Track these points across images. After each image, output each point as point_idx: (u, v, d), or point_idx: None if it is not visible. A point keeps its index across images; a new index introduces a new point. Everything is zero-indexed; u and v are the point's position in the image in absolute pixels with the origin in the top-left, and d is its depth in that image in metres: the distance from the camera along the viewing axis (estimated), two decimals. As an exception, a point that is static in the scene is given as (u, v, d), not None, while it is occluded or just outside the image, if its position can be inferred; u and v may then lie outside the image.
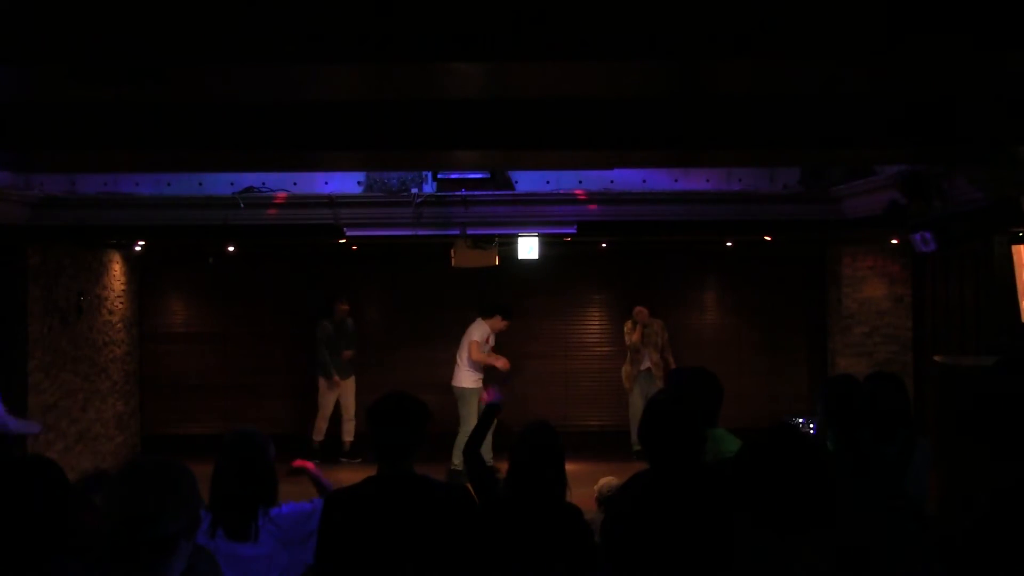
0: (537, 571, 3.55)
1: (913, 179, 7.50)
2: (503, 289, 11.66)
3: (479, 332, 10.62)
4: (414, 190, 8.86)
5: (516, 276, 11.42)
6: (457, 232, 9.30)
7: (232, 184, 8.81)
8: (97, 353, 11.03)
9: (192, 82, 3.89)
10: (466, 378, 10.53)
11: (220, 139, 5.16)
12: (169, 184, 8.96)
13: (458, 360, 10.63)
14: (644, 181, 8.94)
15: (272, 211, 8.89)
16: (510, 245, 9.91)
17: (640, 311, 11.36)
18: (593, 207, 9.09)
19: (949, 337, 9.58)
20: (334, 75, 3.67)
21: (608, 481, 6.60)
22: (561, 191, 8.98)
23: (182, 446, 11.37)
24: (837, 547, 2.65)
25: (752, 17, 3.11)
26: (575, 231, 9.29)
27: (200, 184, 8.91)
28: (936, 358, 8.45)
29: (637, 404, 11.46)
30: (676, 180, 8.94)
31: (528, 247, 9.73)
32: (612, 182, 8.95)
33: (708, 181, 8.95)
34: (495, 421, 4.79)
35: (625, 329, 11.51)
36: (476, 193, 8.82)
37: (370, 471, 3.61)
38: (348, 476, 3.56)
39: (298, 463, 4.38)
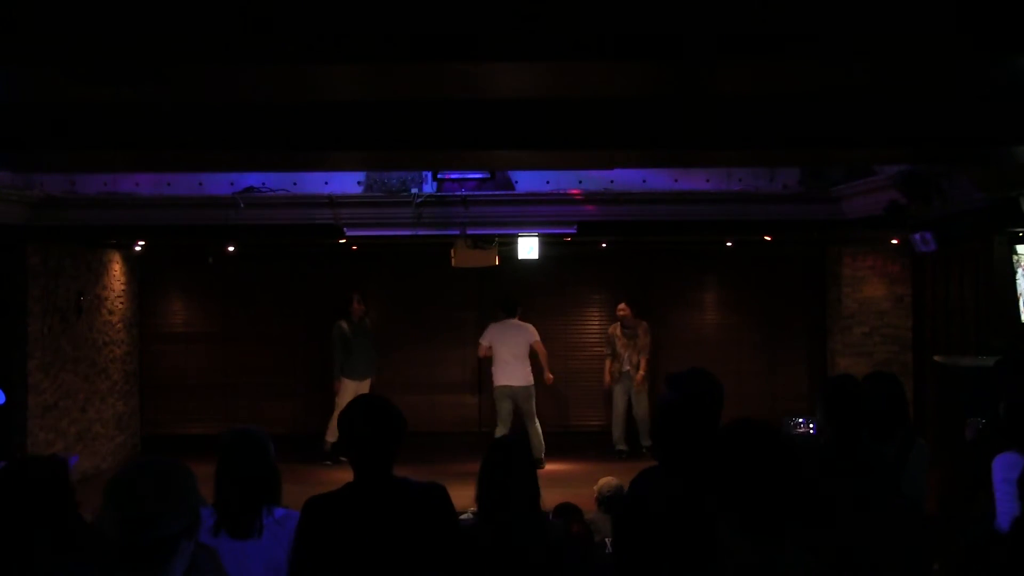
0: None
1: (913, 179, 7.50)
2: (503, 289, 11.66)
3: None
4: (414, 190, 8.86)
5: (516, 276, 11.41)
6: (457, 232, 9.30)
7: (232, 184, 8.81)
8: (97, 353, 11.03)
9: (192, 82, 3.89)
10: (530, 375, 10.86)
11: (220, 139, 5.16)
12: (169, 184, 8.96)
13: (519, 360, 10.80)
14: (644, 181, 8.94)
15: (258, 211, 8.88)
16: (510, 245, 9.91)
17: (623, 309, 11.36)
18: (593, 207, 9.09)
19: (949, 337, 9.58)
20: (334, 75, 3.67)
21: (608, 481, 6.59)
22: (561, 191, 8.98)
23: (182, 446, 11.35)
24: (835, 546, 2.64)
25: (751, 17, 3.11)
26: (575, 231, 9.29)
27: (200, 184, 8.91)
28: (936, 358, 8.45)
29: (619, 405, 11.45)
30: (676, 180, 8.94)
31: (528, 247, 9.73)
32: (612, 182, 8.95)
33: (708, 181, 8.95)
34: None
35: (608, 331, 11.58)
36: (476, 193, 8.82)
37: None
38: (350, 476, 3.53)
39: None
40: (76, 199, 8.91)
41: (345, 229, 9.13)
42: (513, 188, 8.94)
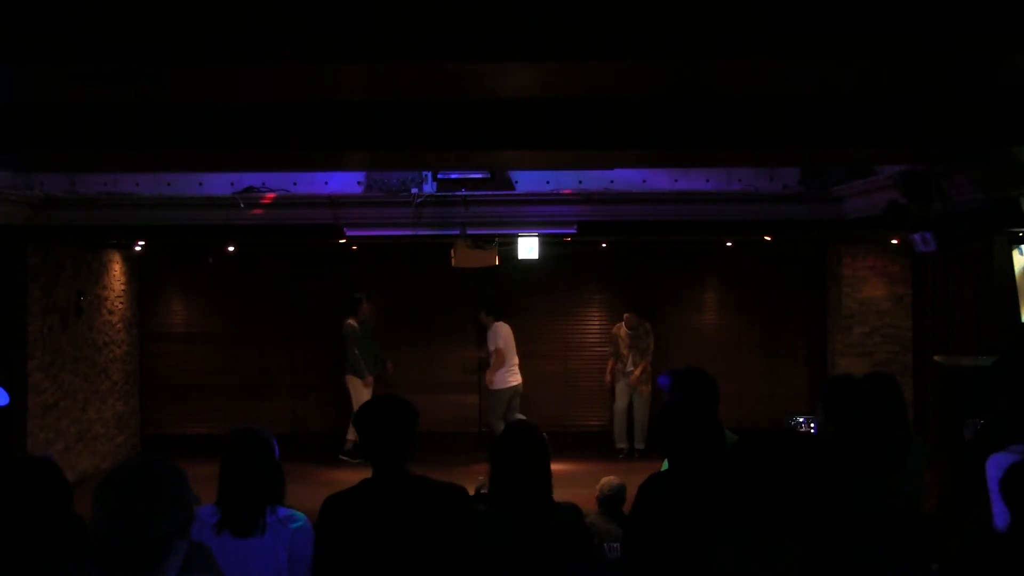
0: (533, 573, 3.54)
1: (913, 179, 7.49)
2: (503, 289, 11.68)
3: None
4: (414, 190, 8.86)
5: (516, 276, 11.42)
6: (457, 232, 9.30)
7: (232, 184, 8.81)
8: (97, 353, 11.03)
9: (192, 82, 3.89)
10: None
11: (220, 139, 5.16)
12: (169, 184, 8.96)
13: (507, 361, 11.10)
14: (644, 181, 8.93)
15: (258, 211, 8.88)
16: (510, 245, 9.91)
17: (629, 317, 11.47)
18: (593, 207, 9.09)
19: (949, 337, 9.58)
20: (333, 75, 3.67)
21: (609, 481, 6.58)
22: (561, 191, 8.98)
23: (182, 446, 11.36)
24: (833, 546, 2.64)
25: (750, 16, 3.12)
26: (575, 231, 9.29)
27: (200, 184, 8.91)
28: (936, 358, 8.45)
29: (620, 402, 11.51)
30: (676, 180, 8.94)
31: (528, 247, 9.73)
32: (612, 182, 8.95)
33: (708, 181, 8.95)
34: None
35: (613, 331, 11.64)
36: (476, 193, 8.82)
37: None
38: (352, 476, 3.54)
39: None
40: (76, 199, 8.91)
41: (345, 229, 9.13)
42: (513, 188, 8.94)
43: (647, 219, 9.18)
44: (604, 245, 11.51)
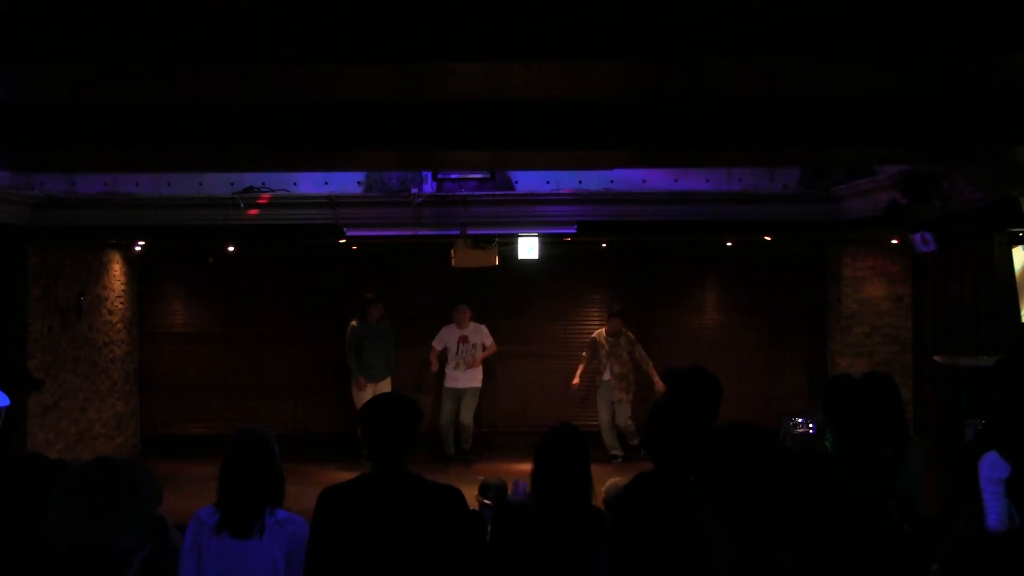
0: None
1: (913, 179, 7.50)
2: (504, 289, 11.67)
3: None
4: (414, 190, 8.86)
5: (516, 276, 11.41)
6: (457, 232, 9.30)
7: (232, 184, 8.82)
8: (97, 353, 11.03)
9: (192, 82, 3.88)
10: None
11: (220, 139, 5.16)
12: (169, 184, 8.96)
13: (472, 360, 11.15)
14: (644, 181, 8.94)
15: (258, 211, 8.88)
16: (510, 245, 9.91)
17: (611, 324, 11.21)
18: (593, 207, 9.09)
19: (949, 337, 9.58)
20: (334, 75, 3.67)
21: (615, 482, 6.56)
22: (561, 191, 8.98)
23: (182, 446, 11.38)
24: (831, 545, 2.64)
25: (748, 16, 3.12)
26: (575, 231, 9.29)
27: (200, 184, 8.91)
28: (936, 358, 8.45)
29: (603, 415, 11.25)
30: (676, 180, 8.94)
31: (528, 247, 9.73)
32: (612, 182, 8.95)
33: (708, 181, 8.95)
34: None
35: (594, 335, 11.45)
36: (476, 193, 8.82)
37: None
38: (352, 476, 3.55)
39: None
40: (76, 199, 8.91)
41: (345, 229, 9.13)
42: (513, 188, 8.94)
43: (647, 219, 9.18)
44: (604, 245, 11.50)
